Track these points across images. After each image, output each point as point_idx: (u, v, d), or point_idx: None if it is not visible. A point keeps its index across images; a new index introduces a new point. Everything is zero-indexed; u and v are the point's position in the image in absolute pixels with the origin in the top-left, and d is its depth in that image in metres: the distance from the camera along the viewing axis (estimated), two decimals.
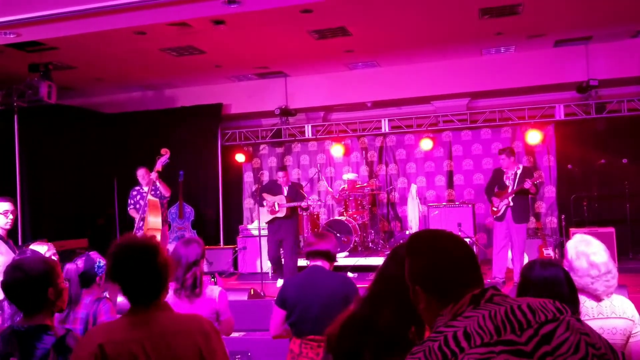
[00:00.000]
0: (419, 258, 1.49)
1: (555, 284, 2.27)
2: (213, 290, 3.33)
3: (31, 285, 2.28)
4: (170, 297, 3.16)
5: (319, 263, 3.35)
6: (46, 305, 2.31)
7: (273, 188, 8.05)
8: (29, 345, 2.20)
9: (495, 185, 7.56)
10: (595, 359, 1.28)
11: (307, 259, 3.43)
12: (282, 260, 8.10)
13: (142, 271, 1.99)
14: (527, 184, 7.06)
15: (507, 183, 7.37)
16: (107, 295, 3.35)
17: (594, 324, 2.49)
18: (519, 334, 1.28)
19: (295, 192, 7.88)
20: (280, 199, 7.80)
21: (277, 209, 7.76)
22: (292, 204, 7.77)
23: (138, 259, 2.00)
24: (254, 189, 8.65)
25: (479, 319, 1.32)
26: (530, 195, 7.48)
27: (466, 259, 1.47)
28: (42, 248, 4.02)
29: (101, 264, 3.30)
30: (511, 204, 7.28)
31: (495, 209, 7.47)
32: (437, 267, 1.45)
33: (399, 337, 1.73)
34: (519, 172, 7.34)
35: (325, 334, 1.92)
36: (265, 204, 7.95)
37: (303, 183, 10.83)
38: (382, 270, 1.90)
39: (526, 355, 1.26)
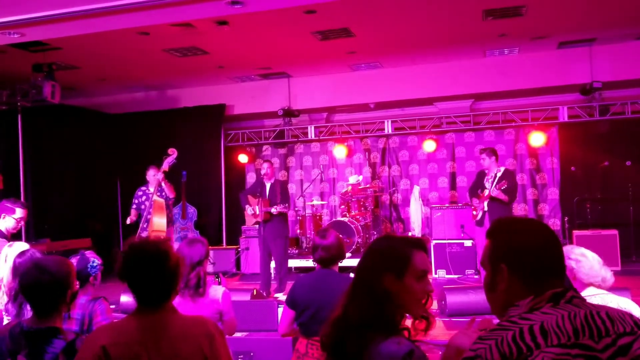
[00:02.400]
0: (512, 236, 1.46)
1: None
2: (217, 291, 3.34)
3: (56, 287, 2.26)
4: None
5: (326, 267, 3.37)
6: (61, 308, 2.30)
7: (256, 190, 7.62)
8: (38, 348, 2.18)
9: (478, 187, 7.39)
10: None
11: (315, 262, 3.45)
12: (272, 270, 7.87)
13: (154, 275, 1.98)
14: (494, 192, 6.85)
15: (487, 185, 7.16)
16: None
17: None
18: (596, 340, 1.26)
19: (274, 194, 7.50)
20: (259, 202, 7.39)
21: (257, 212, 7.40)
22: (266, 209, 7.36)
23: (151, 263, 1.99)
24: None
25: (558, 319, 1.30)
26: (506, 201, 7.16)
27: (558, 254, 1.46)
28: (24, 246, 4.11)
29: (95, 264, 3.27)
30: (486, 209, 7.05)
31: (474, 213, 7.35)
32: (531, 249, 1.43)
33: (371, 325, 1.75)
34: (498, 174, 7.08)
35: (320, 334, 1.96)
36: (246, 208, 7.64)
37: (306, 184, 10.85)
38: (358, 265, 1.95)
39: None
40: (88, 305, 3.13)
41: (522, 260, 1.42)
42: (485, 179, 7.26)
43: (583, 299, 1.38)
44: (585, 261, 2.73)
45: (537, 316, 1.32)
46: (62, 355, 2.17)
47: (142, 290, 2.00)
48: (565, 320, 1.29)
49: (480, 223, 7.23)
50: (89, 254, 3.34)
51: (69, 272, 2.34)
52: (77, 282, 2.45)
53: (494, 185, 7.01)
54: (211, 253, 9.71)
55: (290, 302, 3.34)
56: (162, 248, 2.04)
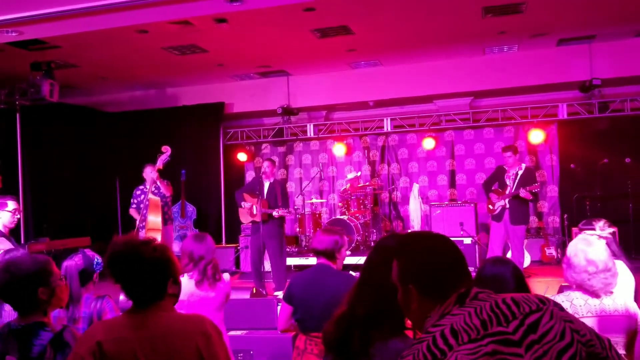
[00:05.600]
0: (414, 256, 1.50)
1: (501, 281, 2.34)
2: (225, 276, 3.68)
3: (19, 286, 2.27)
4: (191, 288, 3.39)
5: (323, 261, 3.38)
6: (39, 305, 2.29)
7: (254, 188, 7.44)
8: (26, 342, 2.20)
9: (495, 182, 7.49)
10: (580, 345, 1.30)
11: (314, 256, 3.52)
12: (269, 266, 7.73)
13: (139, 272, 1.98)
14: (522, 193, 6.95)
15: (508, 182, 7.26)
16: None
17: (597, 322, 2.54)
18: (505, 325, 1.31)
19: (274, 195, 7.37)
20: (257, 202, 7.25)
21: (255, 212, 7.24)
22: (266, 211, 7.25)
23: (133, 260, 1.99)
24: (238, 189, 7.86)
25: (465, 317, 1.34)
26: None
27: (459, 259, 1.51)
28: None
29: (99, 261, 3.28)
30: (507, 205, 7.16)
31: (491, 207, 7.41)
32: (433, 265, 1.48)
33: (377, 322, 1.77)
34: (520, 172, 7.21)
35: (322, 331, 1.96)
36: (243, 205, 7.42)
37: (305, 182, 10.84)
38: (365, 262, 1.96)
39: (514, 344, 1.28)
40: (95, 303, 3.12)
41: (428, 278, 1.47)
42: (505, 176, 7.31)
43: (489, 293, 1.43)
44: (573, 259, 2.72)
45: (447, 320, 1.36)
46: (49, 346, 2.19)
47: (132, 287, 2.01)
48: (472, 316, 1.33)
49: (498, 218, 7.26)
50: (89, 252, 3.34)
51: (35, 271, 2.31)
52: (61, 279, 2.43)
53: (516, 183, 7.11)
54: None
55: (287, 298, 3.39)
56: (146, 244, 2.03)
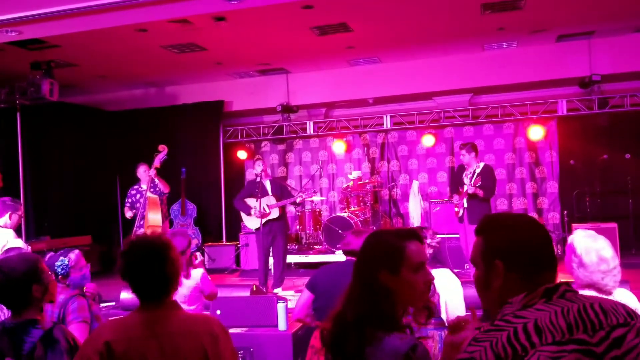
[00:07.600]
0: (504, 231, 1.44)
1: None
2: (196, 273, 4.05)
3: (13, 286, 2.29)
4: None
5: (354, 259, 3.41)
6: (33, 302, 2.32)
7: (254, 190, 7.23)
8: (17, 340, 2.23)
9: (458, 183, 7.11)
10: None
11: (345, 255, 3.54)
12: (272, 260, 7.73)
13: (156, 268, 1.99)
14: (470, 189, 6.62)
15: (465, 181, 6.88)
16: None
17: None
18: (591, 334, 1.26)
19: (281, 188, 7.36)
20: (269, 200, 7.15)
21: (267, 211, 7.09)
22: (284, 202, 7.24)
23: (153, 256, 2.00)
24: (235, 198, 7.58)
25: (551, 315, 1.29)
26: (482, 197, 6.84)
27: (549, 243, 1.45)
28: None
29: (65, 263, 3.26)
30: (465, 205, 6.81)
31: (456, 210, 7.07)
32: (525, 241, 1.41)
33: (369, 321, 1.75)
34: (477, 170, 6.82)
35: (320, 329, 1.95)
36: (253, 212, 7.19)
37: (305, 180, 10.85)
38: (355, 262, 1.93)
39: (596, 357, 1.24)
40: (64, 303, 3.11)
41: (518, 256, 1.40)
42: (464, 175, 7.01)
43: (576, 292, 1.37)
44: (585, 258, 2.66)
45: (531, 313, 1.30)
46: (39, 343, 2.21)
47: (144, 285, 2.01)
48: (558, 316, 1.28)
49: (461, 219, 6.95)
50: (63, 253, 3.33)
51: (28, 269, 2.34)
52: (52, 275, 2.47)
53: (472, 181, 6.77)
54: (211, 249, 9.76)
55: (310, 285, 3.42)
56: (162, 241, 2.06)
